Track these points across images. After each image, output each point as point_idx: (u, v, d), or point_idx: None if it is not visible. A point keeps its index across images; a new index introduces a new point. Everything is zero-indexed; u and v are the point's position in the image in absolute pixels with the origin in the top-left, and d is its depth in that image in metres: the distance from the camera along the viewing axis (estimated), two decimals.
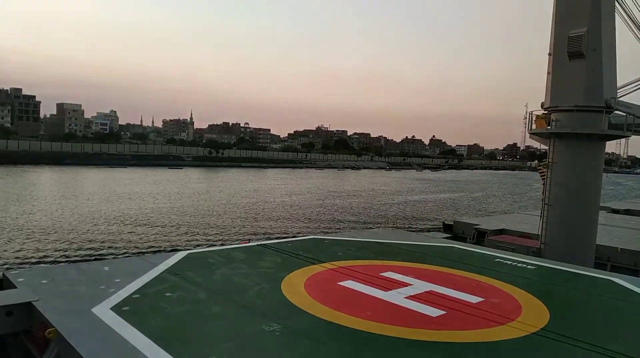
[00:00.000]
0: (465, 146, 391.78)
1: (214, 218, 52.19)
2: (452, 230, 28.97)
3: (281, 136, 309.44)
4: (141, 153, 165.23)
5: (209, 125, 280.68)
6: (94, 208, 54.86)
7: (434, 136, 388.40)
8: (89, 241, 37.74)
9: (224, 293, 12.08)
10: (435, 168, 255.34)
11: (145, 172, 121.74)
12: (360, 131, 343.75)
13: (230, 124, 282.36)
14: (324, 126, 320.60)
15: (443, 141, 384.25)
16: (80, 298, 10.76)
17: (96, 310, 10.03)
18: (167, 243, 38.14)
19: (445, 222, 31.70)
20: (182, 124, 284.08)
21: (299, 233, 43.02)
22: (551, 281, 15.75)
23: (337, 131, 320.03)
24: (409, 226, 50.43)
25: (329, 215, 59.54)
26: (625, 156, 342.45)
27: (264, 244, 18.74)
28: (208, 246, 33.34)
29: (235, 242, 32.69)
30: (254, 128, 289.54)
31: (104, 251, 34.71)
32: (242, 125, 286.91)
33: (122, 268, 13.84)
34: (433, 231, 32.31)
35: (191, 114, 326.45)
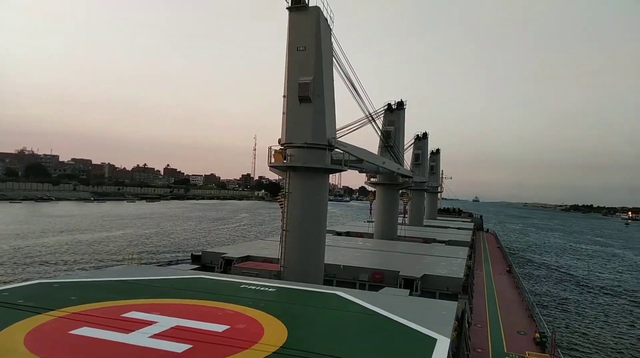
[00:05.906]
0: (201, 175, 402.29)
1: None
2: (201, 261, 30.44)
3: None
4: None
5: None
6: None
7: (168, 165, 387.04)
8: None
9: None
10: (155, 198, 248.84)
11: None
12: (80, 157, 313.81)
13: None
14: (28, 150, 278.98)
15: (179, 170, 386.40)
16: None
17: None
18: None
19: (194, 253, 32.81)
20: None
21: None
22: (288, 301, 18.57)
23: (45, 155, 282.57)
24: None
25: None
26: (340, 187, 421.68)
27: None
28: None
29: None
30: None
31: None
32: None
33: None
34: (182, 263, 32.72)
35: None
